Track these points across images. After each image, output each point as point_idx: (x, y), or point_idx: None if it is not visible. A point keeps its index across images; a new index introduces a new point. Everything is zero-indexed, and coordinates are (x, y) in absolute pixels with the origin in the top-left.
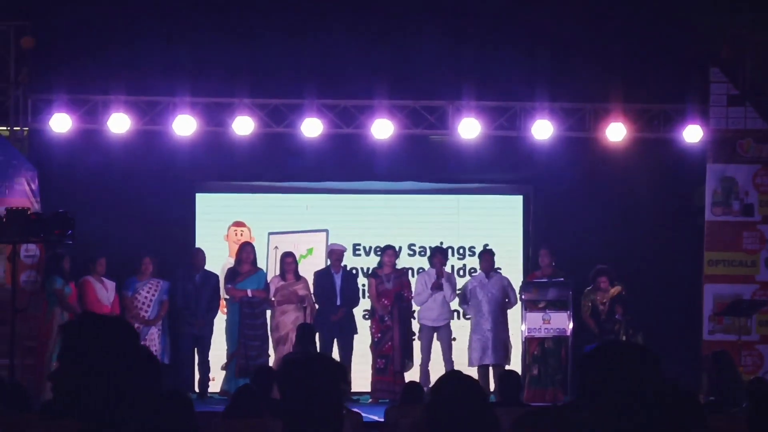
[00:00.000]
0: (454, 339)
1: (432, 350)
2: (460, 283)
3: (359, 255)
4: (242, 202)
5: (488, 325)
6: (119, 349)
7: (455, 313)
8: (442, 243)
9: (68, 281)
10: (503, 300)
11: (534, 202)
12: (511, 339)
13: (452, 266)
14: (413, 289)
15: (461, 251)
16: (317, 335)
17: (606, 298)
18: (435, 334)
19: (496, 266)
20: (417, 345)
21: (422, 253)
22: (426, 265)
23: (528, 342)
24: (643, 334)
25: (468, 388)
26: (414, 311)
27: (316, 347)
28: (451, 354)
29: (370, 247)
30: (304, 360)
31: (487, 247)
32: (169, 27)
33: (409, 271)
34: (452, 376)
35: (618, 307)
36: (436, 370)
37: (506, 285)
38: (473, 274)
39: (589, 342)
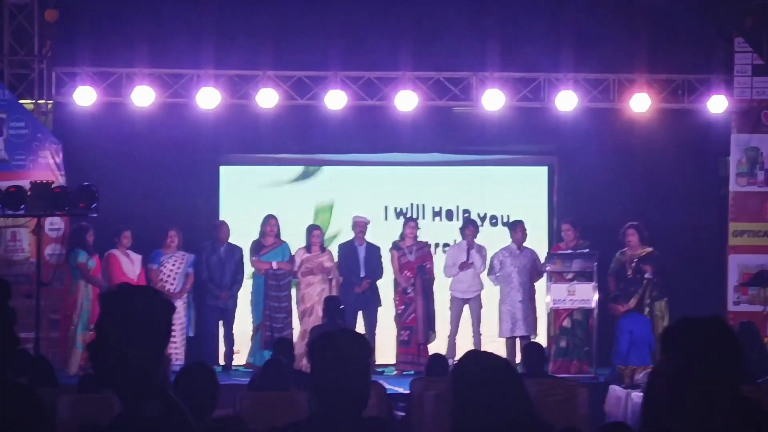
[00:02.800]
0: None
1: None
2: (490, 253)
3: (385, 221)
4: (266, 175)
5: (519, 297)
6: (155, 319)
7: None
8: (468, 214)
9: (92, 254)
10: (534, 272)
11: (558, 173)
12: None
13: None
14: (444, 261)
15: (491, 219)
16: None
17: (635, 256)
18: (465, 306)
19: None
20: (444, 317)
21: (449, 217)
22: (449, 229)
23: (555, 314)
24: (668, 300)
25: (491, 366)
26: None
27: (343, 320)
28: (480, 326)
29: (399, 210)
30: (335, 334)
31: (518, 219)
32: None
33: (436, 234)
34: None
35: (646, 267)
36: (465, 342)
37: (536, 257)
38: (504, 248)
39: (605, 303)
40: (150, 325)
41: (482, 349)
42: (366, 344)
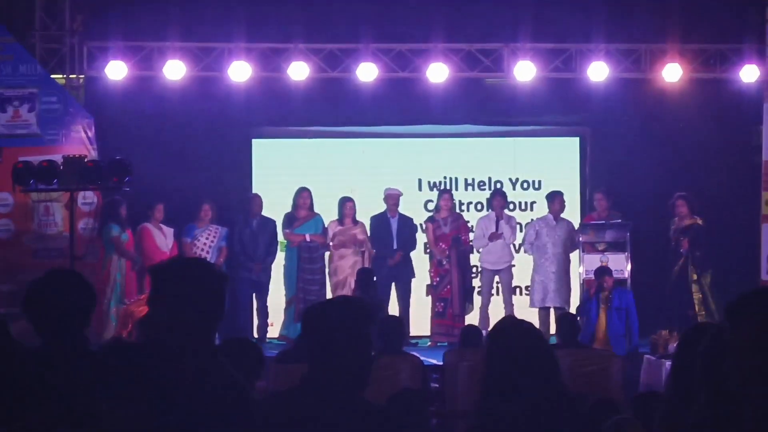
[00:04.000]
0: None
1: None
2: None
3: (419, 192)
4: (298, 148)
5: (553, 268)
6: (211, 290)
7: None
8: (501, 185)
9: (125, 228)
10: (569, 243)
11: (590, 144)
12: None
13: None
14: (474, 233)
15: (524, 184)
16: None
17: (679, 227)
18: (496, 277)
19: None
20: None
21: (482, 186)
22: (482, 199)
23: (587, 283)
24: (712, 274)
25: (525, 332)
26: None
27: (375, 292)
28: (511, 297)
29: (432, 183)
30: (329, 302)
31: (557, 190)
32: None
33: (467, 207)
34: (508, 322)
35: (684, 241)
36: (496, 313)
37: (572, 228)
38: (540, 218)
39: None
40: (203, 296)
41: None
42: (364, 313)
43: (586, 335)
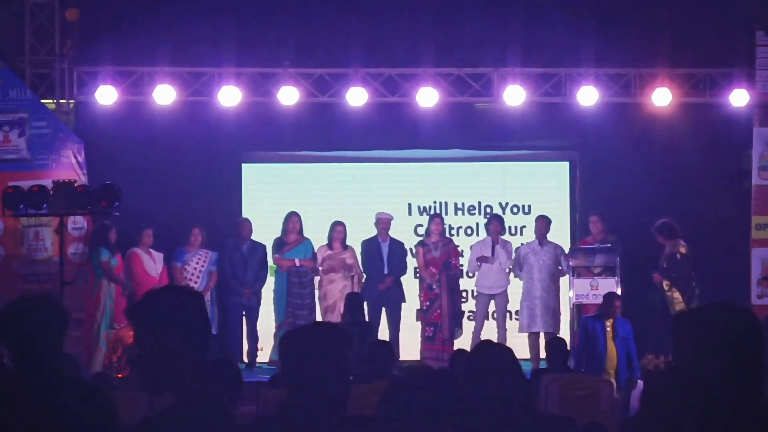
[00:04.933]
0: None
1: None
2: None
3: (408, 217)
4: (288, 172)
5: (538, 293)
6: (189, 314)
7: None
8: (491, 209)
9: (114, 253)
10: (555, 268)
11: (580, 168)
12: (560, 306)
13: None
14: (464, 257)
15: (513, 209)
16: (365, 304)
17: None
18: (491, 301)
19: None
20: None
21: (472, 211)
22: (472, 223)
23: (583, 308)
24: (698, 297)
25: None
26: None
27: (364, 316)
28: (505, 321)
29: (423, 207)
30: (306, 327)
31: (543, 215)
32: None
33: (457, 232)
34: (485, 347)
35: (656, 275)
36: (490, 337)
37: (559, 253)
38: (527, 242)
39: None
40: (186, 322)
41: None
42: (342, 338)
43: (593, 367)
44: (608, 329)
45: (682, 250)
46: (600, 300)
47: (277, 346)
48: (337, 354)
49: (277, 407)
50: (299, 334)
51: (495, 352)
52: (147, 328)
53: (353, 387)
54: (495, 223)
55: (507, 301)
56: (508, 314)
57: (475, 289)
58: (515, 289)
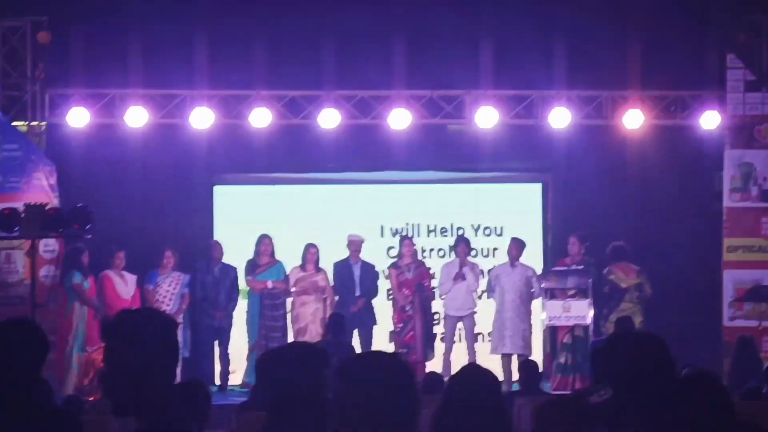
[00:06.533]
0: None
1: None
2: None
3: (381, 238)
4: (260, 194)
5: (508, 314)
6: (161, 338)
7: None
8: (463, 232)
9: (87, 276)
10: (526, 290)
11: (553, 190)
12: (533, 328)
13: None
14: (438, 279)
15: (486, 230)
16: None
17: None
18: (459, 323)
19: None
20: (439, 335)
21: (444, 233)
22: (444, 245)
23: (555, 330)
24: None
25: (484, 381)
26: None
27: (345, 337)
28: (474, 344)
29: (395, 229)
30: (276, 351)
31: (516, 237)
32: (185, 19)
33: (430, 254)
34: (469, 369)
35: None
36: (459, 359)
37: (530, 275)
38: (499, 265)
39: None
40: (157, 345)
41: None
42: (318, 356)
43: None
44: None
45: (611, 276)
46: (572, 322)
47: (254, 367)
48: (314, 372)
49: (257, 429)
50: (275, 354)
51: (476, 378)
52: (117, 347)
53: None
54: (462, 245)
55: (474, 324)
56: (480, 336)
57: (443, 311)
58: (487, 310)
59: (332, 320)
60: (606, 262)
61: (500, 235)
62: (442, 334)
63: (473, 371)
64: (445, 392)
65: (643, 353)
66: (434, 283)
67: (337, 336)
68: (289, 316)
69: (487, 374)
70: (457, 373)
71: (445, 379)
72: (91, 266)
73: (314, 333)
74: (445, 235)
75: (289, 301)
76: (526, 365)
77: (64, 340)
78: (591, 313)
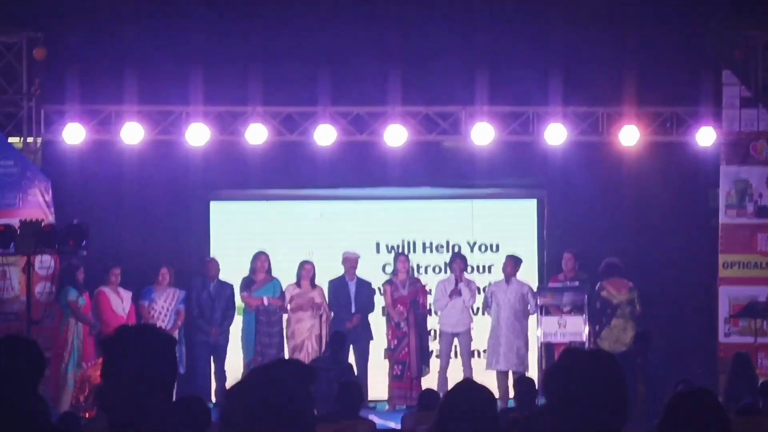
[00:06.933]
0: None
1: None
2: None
3: (377, 254)
4: (256, 211)
5: (502, 331)
6: (160, 355)
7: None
8: (459, 248)
9: (82, 292)
10: (521, 307)
11: (548, 206)
12: (528, 344)
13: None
14: (433, 295)
15: (481, 247)
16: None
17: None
18: (455, 340)
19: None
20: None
21: (440, 249)
22: (440, 261)
23: (551, 347)
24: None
25: (479, 398)
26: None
27: (345, 355)
28: (470, 360)
29: (391, 246)
30: (260, 369)
31: (512, 254)
32: (180, 36)
33: (425, 270)
34: (465, 385)
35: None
36: (455, 376)
37: (526, 292)
38: (495, 281)
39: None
40: (156, 361)
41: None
42: (304, 373)
43: None
44: None
45: (604, 293)
46: (568, 338)
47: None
48: (300, 389)
49: None
50: (261, 371)
51: (471, 393)
52: (116, 362)
53: (321, 426)
54: (458, 261)
55: (470, 339)
56: (475, 352)
57: (438, 327)
58: (483, 326)
59: (333, 337)
60: (599, 278)
61: (496, 251)
62: (438, 350)
63: (468, 386)
64: (440, 408)
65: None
66: (429, 299)
67: (336, 353)
68: (285, 333)
69: (482, 389)
70: (452, 388)
71: (441, 395)
72: (86, 283)
73: (310, 349)
74: (441, 252)
75: (284, 317)
76: (522, 382)
77: (59, 356)
78: (586, 329)
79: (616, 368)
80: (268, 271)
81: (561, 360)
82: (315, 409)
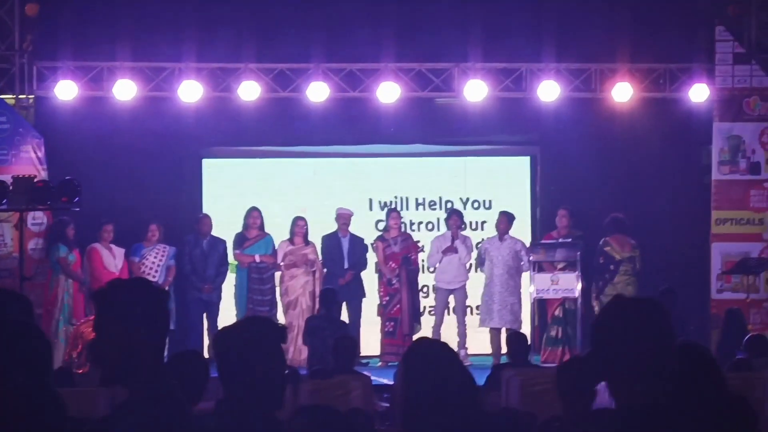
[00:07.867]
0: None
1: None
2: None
3: (369, 212)
4: (249, 167)
5: (496, 288)
6: (152, 308)
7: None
8: (452, 205)
9: (72, 249)
10: (514, 263)
11: (541, 163)
12: (522, 301)
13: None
14: (427, 251)
15: (474, 204)
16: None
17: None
18: (450, 296)
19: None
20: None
21: (433, 206)
22: (433, 218)
23: (543, 303)
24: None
25: (439, 353)
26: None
27: (338, 312)
28: (464, 316)
29: (384, 203)
30: (231, 327)
31: (506, 210)
32: None
33: (418, 227)
34: (421, 344)
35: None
36: (450, 332)
37: (519, 249)
38: (489, 237)
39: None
40: (148, 314)
41: (467, 339)
42: (274, 332)
43: None
44: None
45: (607, 248)
46: (561, 295)
47: (211, 343)
48: (270, 348)
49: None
50: (232, 329)
51: (429, 347)
52: (108, 315)
53: (315, 382)
54: (455, 218)
55: (466, 296)
56: (468, 309)
57: (434, 283)
58: (476, 283)
59: (324, 295)
60: (596, 234)
61: (489, 208)
62: (431, 307)
63: (427, 341)
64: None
65: (643, 321)
66: (422, 256)
67: (330, 310)
68: (278, 290)
69: (440, 342)
70: (408, 349)
71: None
72: (79, 239)
73: (304, 306)
74: (434, 209)
75: (277, 274)
76: (515, 338)
77: (49, 313)
78: (579, 286)
79: (665, 316)
80: (261, 227)
81: (609, 308)
82: (287, 368)
